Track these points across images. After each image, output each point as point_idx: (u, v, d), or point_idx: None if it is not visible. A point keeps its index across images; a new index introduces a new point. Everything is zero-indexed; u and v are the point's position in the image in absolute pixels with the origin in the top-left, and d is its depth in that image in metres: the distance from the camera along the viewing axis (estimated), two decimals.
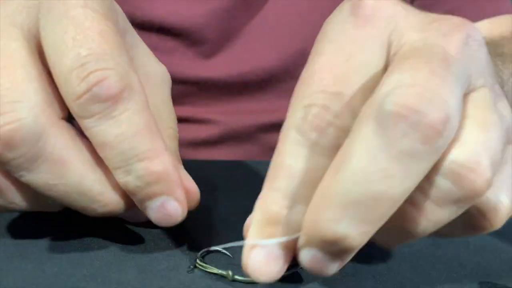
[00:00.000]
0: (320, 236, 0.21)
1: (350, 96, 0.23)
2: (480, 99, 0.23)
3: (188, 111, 0.58)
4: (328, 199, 0.21)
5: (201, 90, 0.58)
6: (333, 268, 0.23)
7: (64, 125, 0.26)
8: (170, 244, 0.30)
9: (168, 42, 0.56)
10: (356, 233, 0.21)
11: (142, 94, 0.26)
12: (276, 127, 0.36)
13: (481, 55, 0.24)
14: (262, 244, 0.23)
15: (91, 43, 0.25)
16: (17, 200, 0.27)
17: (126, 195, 0.26)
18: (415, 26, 0.24)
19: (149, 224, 0.28)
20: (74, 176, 0.25)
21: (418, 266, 0.30)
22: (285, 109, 0.30)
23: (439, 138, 0.20)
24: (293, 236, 0.23)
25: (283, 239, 0.23)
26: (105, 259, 0.28)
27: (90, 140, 0.25)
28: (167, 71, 0.33)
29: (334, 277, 0.24)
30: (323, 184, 0.22)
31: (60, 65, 0.25)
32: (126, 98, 0.25)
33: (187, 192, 0.27)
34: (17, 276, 0.26)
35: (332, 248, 0.22)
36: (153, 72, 0.32)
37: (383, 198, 0.21)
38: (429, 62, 0.21)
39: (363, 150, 0.21)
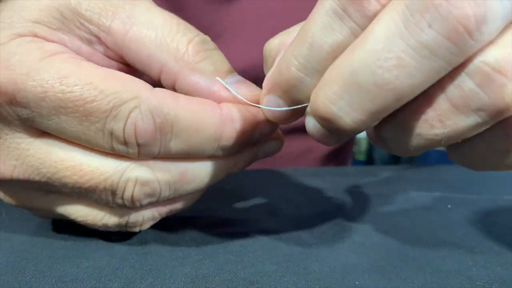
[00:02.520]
0: (316, 111, 0.23)
1: None
2: None
3: None
4: (333, 76, 0.22)
5: None
6: (331, 140, 0.24)
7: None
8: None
9: None
10: (349, 118, 0.22)
11: (163, 98, 0.25)
12: None
13: None
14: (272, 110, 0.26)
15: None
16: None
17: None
18: None
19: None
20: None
21: (427, 284, 0.27)
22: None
23: (468, 38, 0.19)
24: (301, 106, 0.25)
25: (292, 108, 0.25)
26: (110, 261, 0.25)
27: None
28: None
29: None
30: (336, 61, 0.22)
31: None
32: (161, 122, 0.25)
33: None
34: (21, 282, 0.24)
35: (326, 124, 0.23)
36: (116, 8, 0.27)
37: (386, 88, 0.20)
38: None
39: (383, 33, 0.20)
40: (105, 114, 0.24)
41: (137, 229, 0.29)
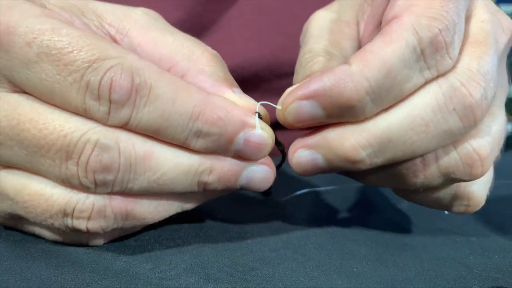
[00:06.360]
0: (340, 152, 0.26)
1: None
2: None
3: None
4: (369, 126, 0.25)
5: None
6: (315, 173, 0.28)
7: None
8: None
9: None
10: (369, 162, 0.26)
11: (148, 64, 0.25)
12: None
13: None
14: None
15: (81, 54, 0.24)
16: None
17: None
18: None
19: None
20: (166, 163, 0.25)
21: (424, 271, 0.27)
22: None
23: (474, 125, 0.26)
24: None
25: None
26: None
27: (145, 133, 0.25)
28: (148, 9, 0.31)
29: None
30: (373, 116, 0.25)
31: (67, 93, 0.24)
32: (140, 83, 0.24)
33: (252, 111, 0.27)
34: (15, 277, 0.24)
35: (342, 163, 0.26)
36: (138, 16, 0.30)
37: (410, 145, 0.25)
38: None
39: (420, 103, 0.25)
40: (87, 64, 0.24)
41: (83, 225, 0.26)
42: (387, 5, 0.29)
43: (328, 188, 0.41)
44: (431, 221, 0.35)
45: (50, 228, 0.27)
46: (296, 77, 0.30)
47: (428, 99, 0.25)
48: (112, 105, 0.24)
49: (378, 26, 0.31)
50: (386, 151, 0.26)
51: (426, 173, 0.27)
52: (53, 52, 0.24)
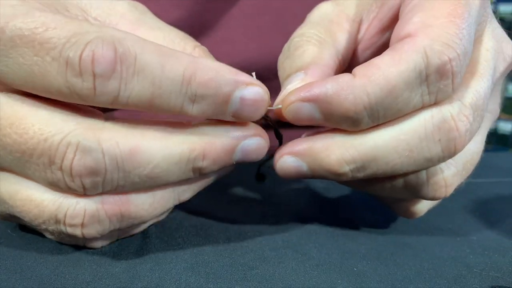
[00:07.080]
0: (326, 164, 0.26)
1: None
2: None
3: (162, 116, 0.55)
4: (356, 143, 0.26)
5: None
6: (298, 178, 0.28)
7: (107, 124, 0.24)
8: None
9: None
10: (351, 175, 0.26)
11: (128, 34, 0.24)
12: None
13: None
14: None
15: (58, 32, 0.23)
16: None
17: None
18: None
19: None
20: (155, 155, 0.24)
21: (424, 271, 0.27)
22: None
23: (454, 154, 0.26)
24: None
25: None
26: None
27: (137, 109, 0.24)
28: (133, 1, 0.30)
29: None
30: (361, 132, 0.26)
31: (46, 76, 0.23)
32: (124, 52, 0.22)
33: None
34: (15, 276, 0.24)
35: (325, 173, 0.27)
36: (125, 10, 0.29)
37: (391, 167, 0.26)
38: None
39: (408, 128, 0.25)
40: (64, 40, 0.22)
41: (78, 232, 0.25)
42: (396, 12, 0.29)
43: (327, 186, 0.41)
44: (430, 220, 0.35)
45: (48, 230, 0.26)
46: (282, 59, 0.30)
47: (417, 126, 0.25)
48: (97, 80, 0.22)
49: (382, 31, 0.31)
50: (368, 168, 0.26)
51: (393, 187, 0.28)
52: (26, 33, 0.23)
